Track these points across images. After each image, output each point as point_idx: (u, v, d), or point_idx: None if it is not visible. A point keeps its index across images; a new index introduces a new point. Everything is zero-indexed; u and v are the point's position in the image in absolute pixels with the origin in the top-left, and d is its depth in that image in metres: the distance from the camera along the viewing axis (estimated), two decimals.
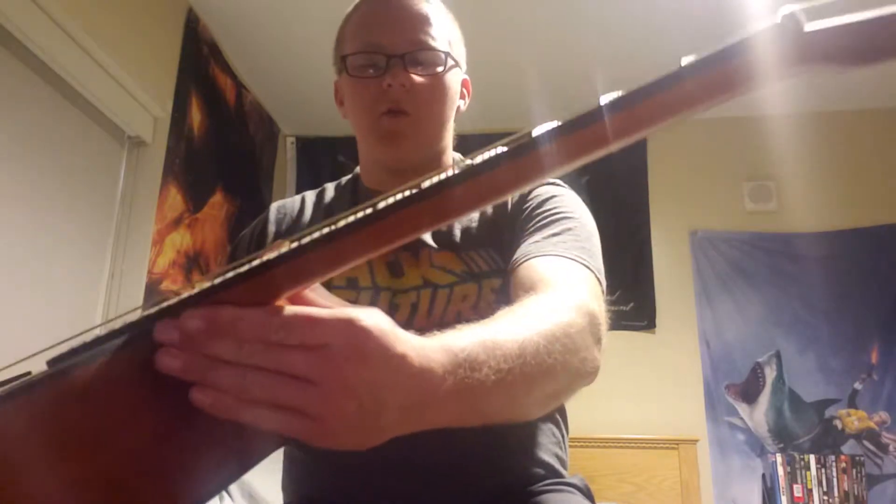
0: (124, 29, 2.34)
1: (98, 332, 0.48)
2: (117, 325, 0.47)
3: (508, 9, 2.72)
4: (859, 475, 2.79)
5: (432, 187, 0.41)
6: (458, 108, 1.02)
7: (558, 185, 0.98)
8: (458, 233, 0.96)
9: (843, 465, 2.80)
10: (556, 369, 0.59)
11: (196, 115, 2.75)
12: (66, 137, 2.16)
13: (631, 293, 3.27)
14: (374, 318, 0.43)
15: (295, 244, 0.42)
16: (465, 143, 1.09)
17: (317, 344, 0.41)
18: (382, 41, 0.93)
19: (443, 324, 0.90)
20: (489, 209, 0.96)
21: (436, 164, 0.99)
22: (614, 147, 0.40)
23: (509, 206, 0.96)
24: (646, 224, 3.36)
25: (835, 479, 2.78)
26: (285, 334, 0.41)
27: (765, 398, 3.10)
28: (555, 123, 0.41)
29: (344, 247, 0.42)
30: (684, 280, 3.28)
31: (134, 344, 0.44)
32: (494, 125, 3.38)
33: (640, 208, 3.38)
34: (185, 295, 0.44)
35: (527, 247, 0.86)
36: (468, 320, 0.56)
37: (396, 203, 0.42)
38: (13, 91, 1.95)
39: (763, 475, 2.95)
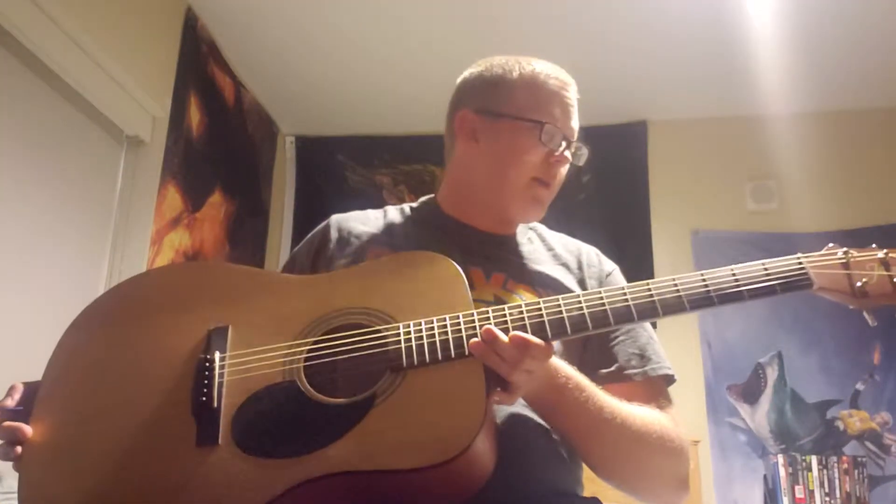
0: (123, 28, 2.33)
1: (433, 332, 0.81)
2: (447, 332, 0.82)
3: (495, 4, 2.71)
4: (861, 476, 2.78)
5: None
6: None
7: (617, 269, 1.12)
8: (534, 276, 1.03)
9: (845, 466, 2.79)
10: (641, 447, 0.91)
11: (195, 115, 2.74)
12: (63, 137, 2.16)
13: None
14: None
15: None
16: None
17: (539, 356, 0.80)
18: (568, 124, 1.06)
19: None
20: (562, 274, 1.07)
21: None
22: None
23: (580, 267, 1.08)
24: (647, 224, 3.34)
25: (837, 481, 2.77)
26: (529, 354, 0.78)
27: (766, 399, 3.09)
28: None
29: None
30: None
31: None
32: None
33: (641, 208, 3.36)
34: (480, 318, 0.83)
35: (628, 355, 1.00)
36: None
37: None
38: (10, 90, 1.95)
39: (764, 476, 2.94)
